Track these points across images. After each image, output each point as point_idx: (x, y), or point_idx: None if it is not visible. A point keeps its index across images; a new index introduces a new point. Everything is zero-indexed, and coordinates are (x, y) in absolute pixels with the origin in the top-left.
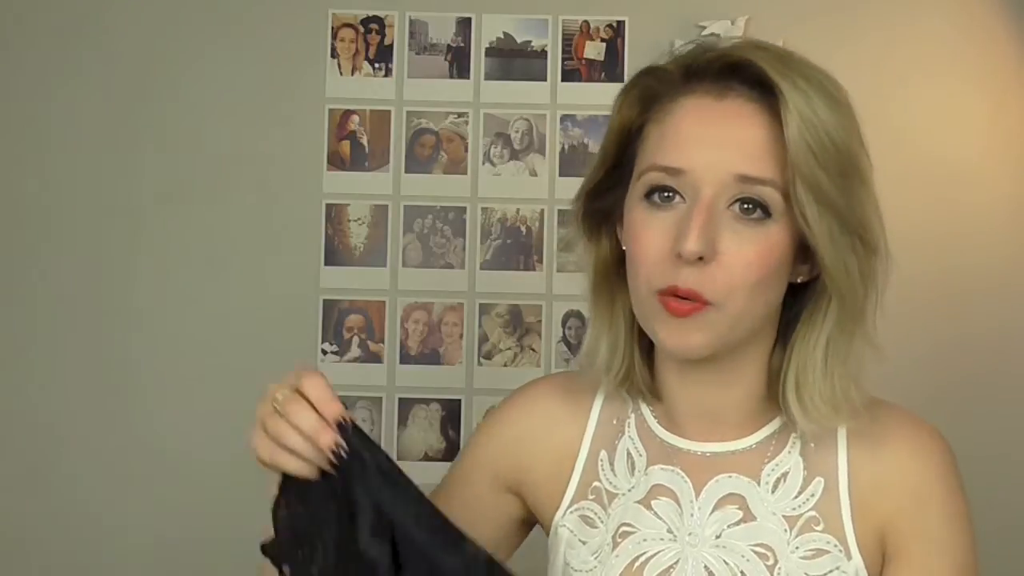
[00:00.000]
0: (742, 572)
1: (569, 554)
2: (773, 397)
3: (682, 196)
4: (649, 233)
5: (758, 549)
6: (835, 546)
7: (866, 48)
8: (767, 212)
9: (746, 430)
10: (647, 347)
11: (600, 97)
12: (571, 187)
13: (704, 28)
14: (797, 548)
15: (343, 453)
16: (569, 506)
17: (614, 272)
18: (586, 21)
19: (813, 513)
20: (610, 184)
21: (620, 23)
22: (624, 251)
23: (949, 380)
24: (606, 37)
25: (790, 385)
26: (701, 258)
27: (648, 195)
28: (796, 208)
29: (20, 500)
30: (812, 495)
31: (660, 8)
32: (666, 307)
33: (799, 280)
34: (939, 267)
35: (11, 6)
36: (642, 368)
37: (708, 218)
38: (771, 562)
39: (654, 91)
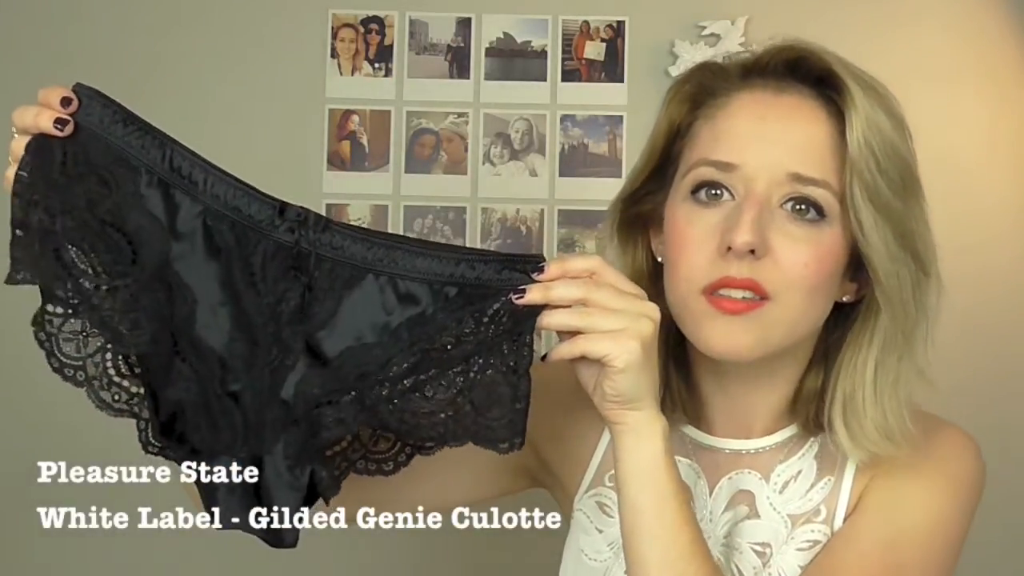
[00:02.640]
0: (736, 566)
1: (584, 540)
2: (797, 409)
3: (731, 193)
4: (694, 231)
5: (757, 547)
6: (827, 536)
7: (866, 51)
8: (821, 213)
9: (768, 430)
10: (679, 361)
11: (600, 97)
12: (571, 187)
13: (704, 28)
14: (794, 540)
15: (77, 101)
16: (587, 490)
17: (648, 286)
18: (586, 21)
19: (816, 506)
20: (651, 187)
21: (620, 23)
22: (658, 263)
23: (950, 385)
24: (606, 37)
25: (837, 410)
26: (752, 252)
27: (695, 191)
28: (852, 213)
29: None
30: (819, 492)
31: (660, 8)
32: (716, 306)
33: (844, 299)
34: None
35: (11, 6)
36: (679, 384)
37: (760, 212)
38: (767, 558)
39: (708, 87)
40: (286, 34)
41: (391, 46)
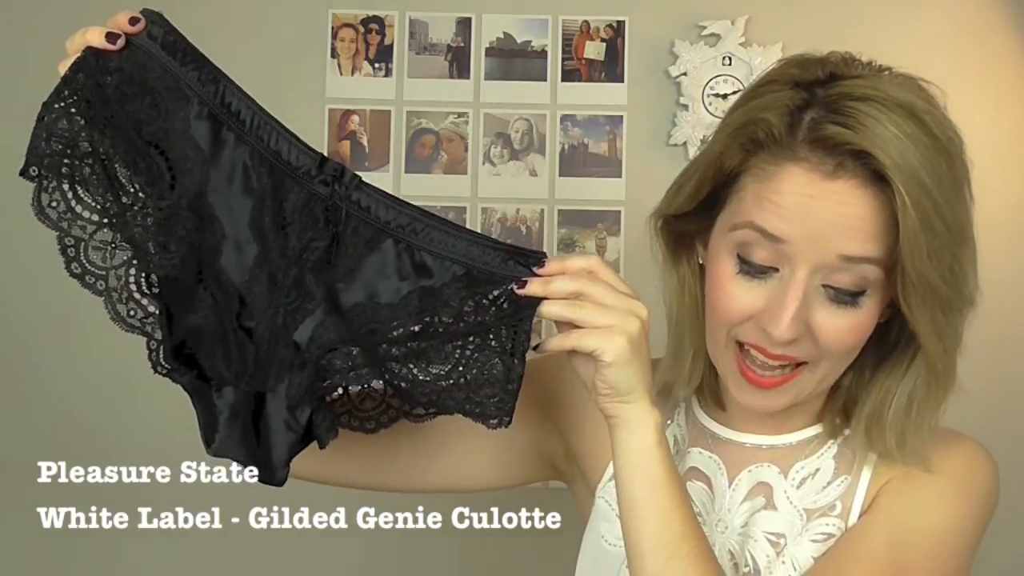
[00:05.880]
0: (750, 553)
1: (604, 527)
2: (826, 410)
3: (775, 266)
4: (736, 297)
5: (771, 537)
6: (841, 530)
7: (865, 50)
8: (863, 292)
9: (793, 428)
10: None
11: (600, 97)
12: (571, 187)
13: (704, 28)
14: (808, 532)
15: (144, 28)
16: (610, 479)
17: (697, 289)
18: (586, 21)
19: (832, 502)
20: (696, 214)
21: (620, 23)
22: (704, 267)
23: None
24: (606, 37)
25: (862, 418)
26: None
27: (740, 256)
28: (900, 297)
29: None
30: (835, 489)
31: (660, 8)
32: (745, 376)
33: (880, 320)
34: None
35: (12, 5)
36: (710, 378)
37: (803, 301)
38: (780, 548)
39: (759, 143)
40: (286, 34)
41: (391, 46)
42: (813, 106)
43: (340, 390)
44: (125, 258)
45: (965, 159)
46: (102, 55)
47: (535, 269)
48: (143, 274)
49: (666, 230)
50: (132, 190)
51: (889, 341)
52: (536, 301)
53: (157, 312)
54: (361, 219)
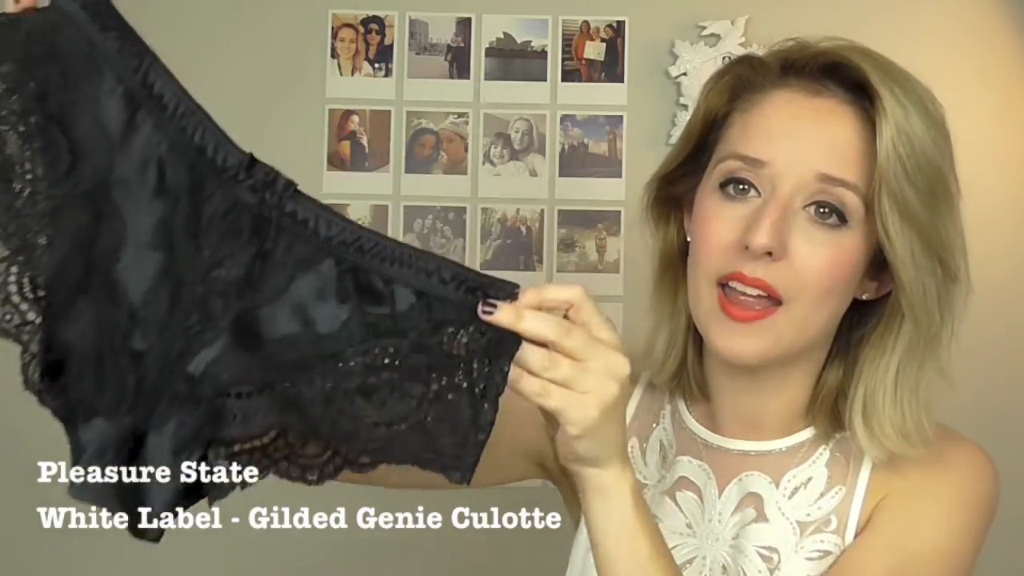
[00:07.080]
0: (743, 569)
1: None
2: (814, 408)
3: (758, 190)
4: (718, 223)
5: (763, 551)
6: (839, 547)
7: None
8: (843, 219)
9: (781, 433)
10: (700, 343)
11: (600, 97)
12: (571, 187)
13: (704, 28)
14: (803, 548)
15: None
16: None
17: (679, 263)
18: (586, 21)
19: (827, 515)
20: (686, 170)
21: (620, 23)
22: (689, 242)
23: (947, 392)
24: (606, 37)
25: (856, 408)
26: (770, 253)
27: (723, 185)
28: (879, 220)
29: None
30: (829, 501)
31: (660, 8)
32: (726, 312)
33: (864, 297)
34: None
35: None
36: (695, 365)
37: (782, 215)
38: (774, 564)
39: (746, 80)
40: (286, 34)
41: (391, 46)
42: (804, 59)
43: (274, 432)
44: (7, 252)
45: (947, 129)
46: (15, 18)
47: (507, 302)
48: (27, 274)
49: (658, 198)
50: (22, 172)
51: (872, 322)
52: (517, 339)
53: (38, 322)
54: (296, 235)
